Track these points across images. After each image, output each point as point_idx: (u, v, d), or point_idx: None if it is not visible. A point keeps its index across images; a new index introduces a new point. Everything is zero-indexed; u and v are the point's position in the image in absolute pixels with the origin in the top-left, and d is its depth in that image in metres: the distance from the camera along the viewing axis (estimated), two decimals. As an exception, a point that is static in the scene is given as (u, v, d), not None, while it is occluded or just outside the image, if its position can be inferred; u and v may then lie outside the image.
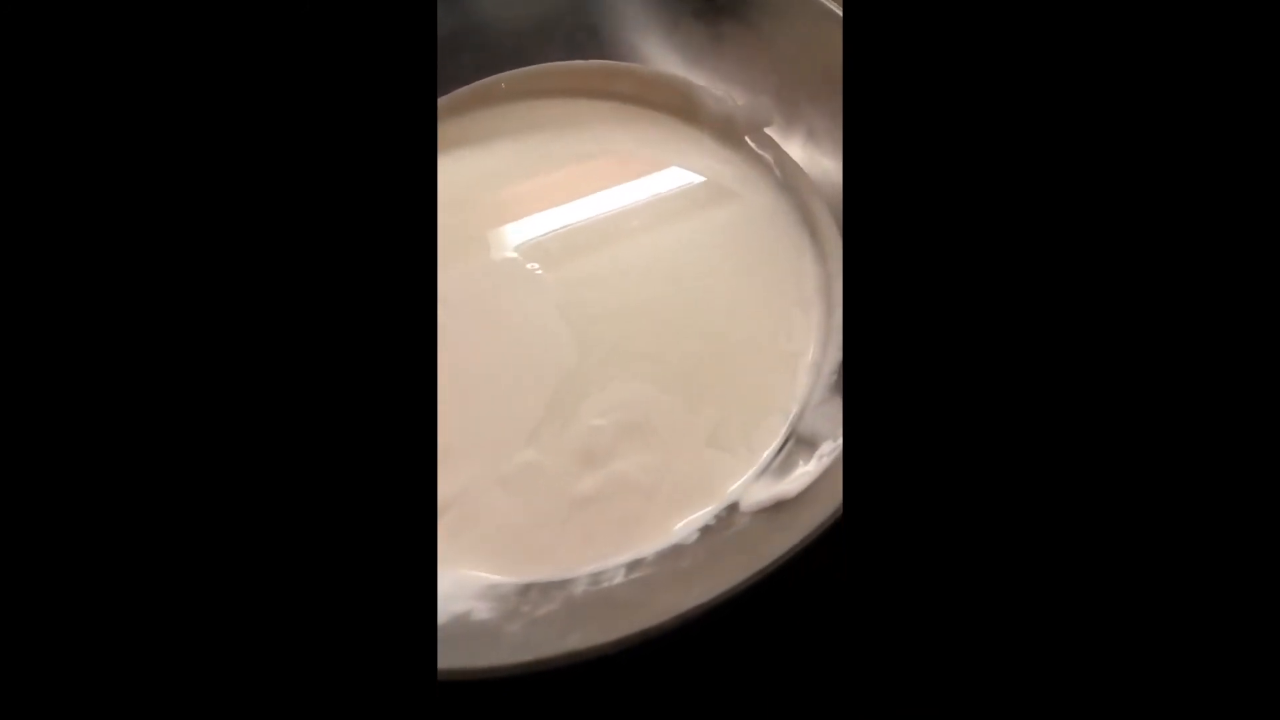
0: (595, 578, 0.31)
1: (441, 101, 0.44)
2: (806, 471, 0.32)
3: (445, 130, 0.45)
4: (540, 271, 0.39)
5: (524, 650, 0.26)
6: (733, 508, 0.33)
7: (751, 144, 0.42)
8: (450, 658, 0.25)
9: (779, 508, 0.31)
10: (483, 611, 0.29)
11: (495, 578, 0.31)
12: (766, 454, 0.34)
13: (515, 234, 0.41)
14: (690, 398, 0.35)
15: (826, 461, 0.32)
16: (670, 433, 0.35)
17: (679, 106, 0.44)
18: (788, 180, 0.41)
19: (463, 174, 0.43)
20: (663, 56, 0.43)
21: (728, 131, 0.43)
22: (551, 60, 0.44)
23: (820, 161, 0.40)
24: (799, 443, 0.34)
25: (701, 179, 0.42)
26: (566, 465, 0.34)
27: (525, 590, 0.31)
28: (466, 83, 0.44)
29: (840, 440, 0.32)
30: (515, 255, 0.40)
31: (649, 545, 0.32)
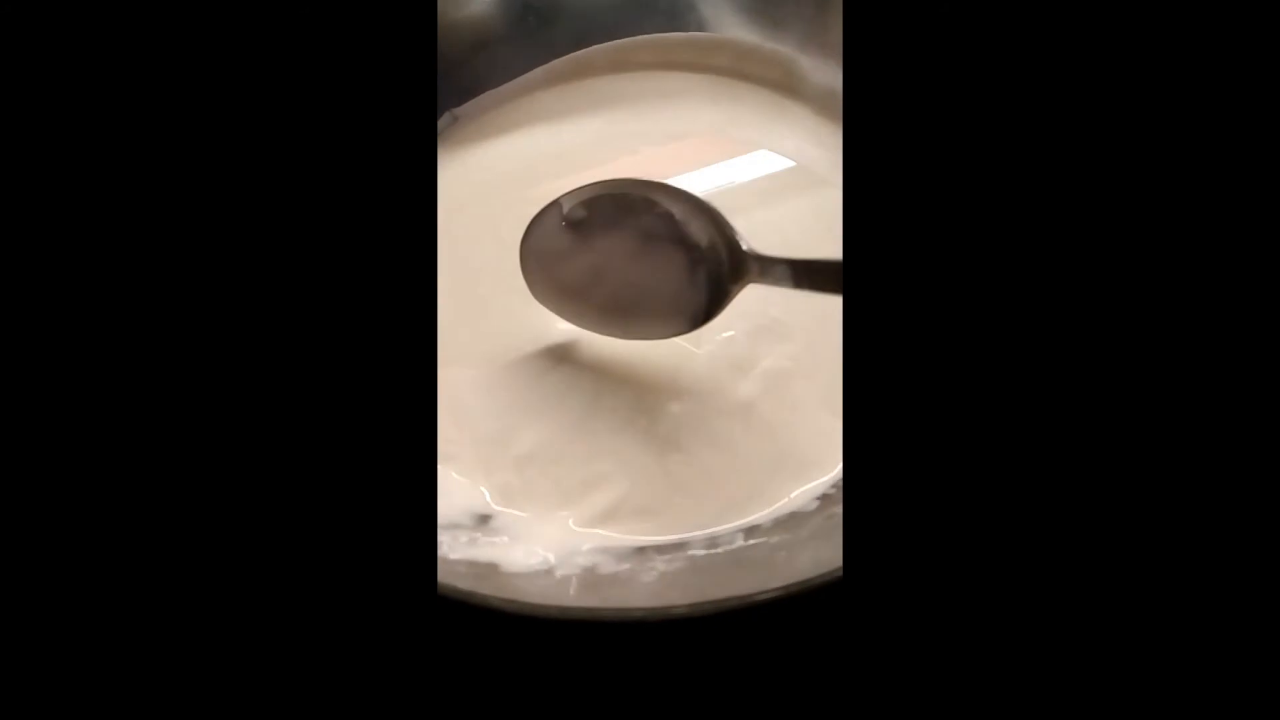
0: (712, 540, 0.31)
1: (535, 73, 0.44)
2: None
3: (535, 103, 0.44)
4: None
5: (655, 598, 0.26)
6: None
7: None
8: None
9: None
10: (608, 565, 0.29)
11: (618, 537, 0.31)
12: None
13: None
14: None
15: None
16: (799, 320, 0.35)
17: (778, 80, 0.43)
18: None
19: (550, 149, 0.43)
20: (765, 28, 0.43)
21: (829, 107, 0.42)
22: (650, 32, 0.44)
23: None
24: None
25: (791, 163, 0.42)
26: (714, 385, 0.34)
27: (642, 550, 0.30)
28: (560, 54, 0.44)
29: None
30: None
31: (768, 512, 0.31)
